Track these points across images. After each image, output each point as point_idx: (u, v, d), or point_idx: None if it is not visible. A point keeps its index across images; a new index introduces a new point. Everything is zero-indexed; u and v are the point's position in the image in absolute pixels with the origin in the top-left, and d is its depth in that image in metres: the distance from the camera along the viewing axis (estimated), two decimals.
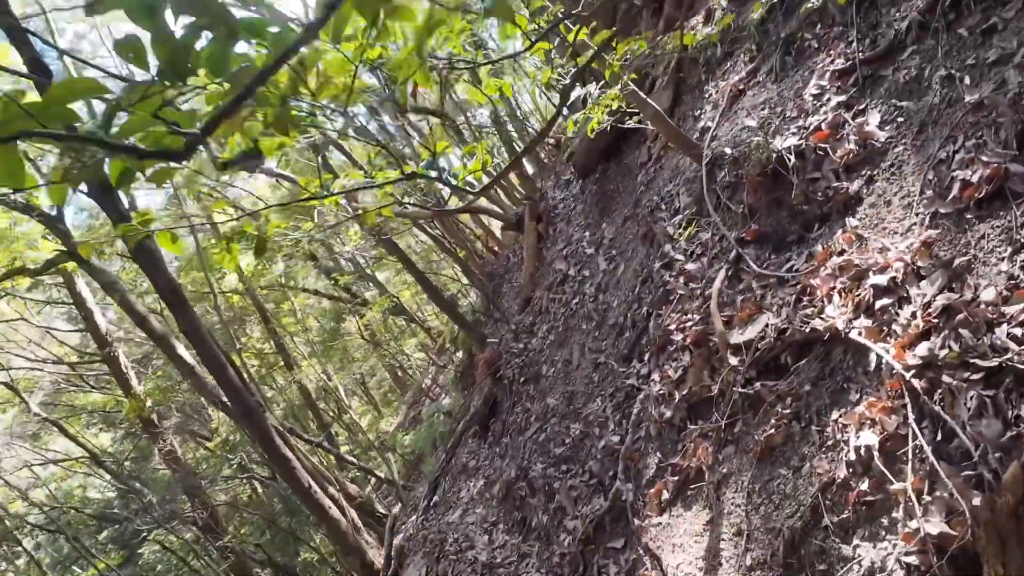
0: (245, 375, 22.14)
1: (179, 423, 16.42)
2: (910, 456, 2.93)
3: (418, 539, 8.52)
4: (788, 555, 3.49)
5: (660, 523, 4.85)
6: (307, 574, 17.34)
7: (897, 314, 3.39)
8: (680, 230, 5.88)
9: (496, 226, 18.10)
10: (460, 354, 15.38)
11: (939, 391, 2.93)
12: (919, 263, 3.41)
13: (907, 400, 3.04)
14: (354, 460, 16.05)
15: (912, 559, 2.75)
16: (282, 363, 24.75)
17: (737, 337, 4.60)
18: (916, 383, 3.02)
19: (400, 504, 16.26)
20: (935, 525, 2.68)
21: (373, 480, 17.32)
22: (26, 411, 18.74)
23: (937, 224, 3.48)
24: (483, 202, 12.92)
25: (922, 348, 3.10)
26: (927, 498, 2.77)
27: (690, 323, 5.15)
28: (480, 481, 8.19)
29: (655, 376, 5.34)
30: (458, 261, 12.54)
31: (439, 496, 9.61)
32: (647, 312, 5.88)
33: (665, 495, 4.89)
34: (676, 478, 4.82)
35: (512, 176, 13.77)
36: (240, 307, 25.65)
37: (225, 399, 11.61)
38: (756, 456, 4.05)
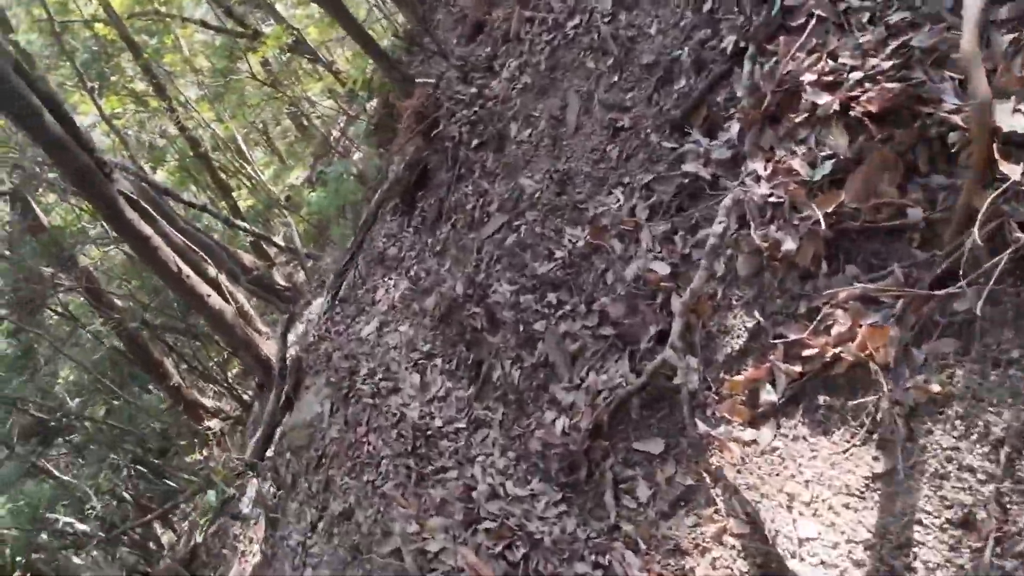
0: (106, 131, 18.02)
1: (24, 179, 12.82)
2: None
3: (320, 354, 6.19)
4: None
5: (751, 441, 2.57)
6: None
7: None
8: None
9: None
10: (375, 102, 12.14)
11: None
12: None
13: None
14: (246, 225, 13.19)
15: None
16: (164, 108, 20.58)
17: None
18: None
19: (304, 278, 13.96)
20: None
21: (274, 250, 14.64)
22: None
23: None
24: None
25: None
26: None
27: (857, 70, 2.49)
28: (404, 282, 5.75)
29: (756, 165, 2.77)
30: None
31: (346, 291, 7.19)
32: (736, 46, 3.11)
33: (768, 394, 2.55)
34: (796, 365, 2.46)
35: None
36: (109, 39, 20.62)
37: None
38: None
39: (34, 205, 13.41)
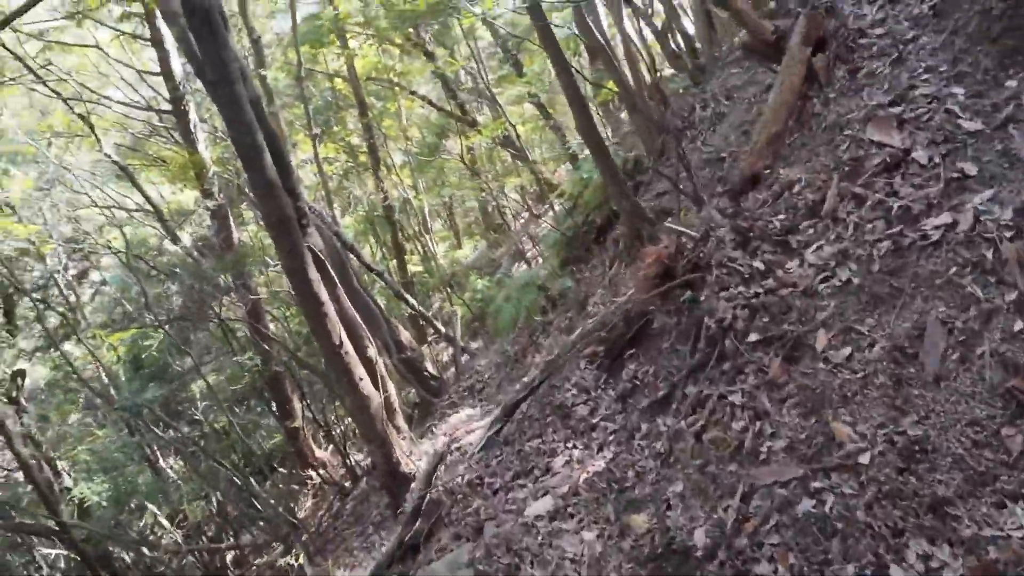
0: (315, 171, 18.79)
1: (228, 200, 13.22)
2: None
3: (467, 513, 5.04)
4: None
5: None
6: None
7: None
8: None
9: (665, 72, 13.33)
10: (580, 216, 11.36)
11: None
12: None
13: None
14: (414, 303, 12.67)
15: None
16: (370, 166, 21.42)
17: None
18: None
19: (454, 370, 13.13)
20: None
21: (432, 332, 14.00)
22: (99, 150, 16.15)
23: None
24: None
25: None
26: None
27: None
28: (594, 462, 4.54)
29: None
30: (624, 90, 8.17)
31: (513, 430, 6.07)
32: None
33: None
34: None
35: None
36: (344, 94, 22.04)
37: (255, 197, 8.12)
38: None
39: (231, 223, 13.76)
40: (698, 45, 11.63)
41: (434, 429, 9.54)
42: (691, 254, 4.70)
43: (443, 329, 13.10)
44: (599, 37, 8.24)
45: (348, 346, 7.59)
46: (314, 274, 7.03)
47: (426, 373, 12.10)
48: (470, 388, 10.80)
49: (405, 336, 12.12)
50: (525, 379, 6.87)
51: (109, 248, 24.00)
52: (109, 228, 25.59)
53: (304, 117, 23.82)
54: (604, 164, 6.65)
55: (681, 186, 6.08)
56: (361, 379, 7.63)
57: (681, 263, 4.84)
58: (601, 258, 9.88)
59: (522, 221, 22.92)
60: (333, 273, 8.72)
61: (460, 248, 29.37)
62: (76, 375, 14.45)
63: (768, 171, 5.34)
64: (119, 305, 17.60)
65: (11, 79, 15.40)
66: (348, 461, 12.80)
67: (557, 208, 19.27)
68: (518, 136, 17.81)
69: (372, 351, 8.38)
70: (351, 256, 12.20)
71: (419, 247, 23.58)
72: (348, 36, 18.50)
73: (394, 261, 22.84)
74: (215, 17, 6.52)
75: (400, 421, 8.52)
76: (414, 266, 24.66)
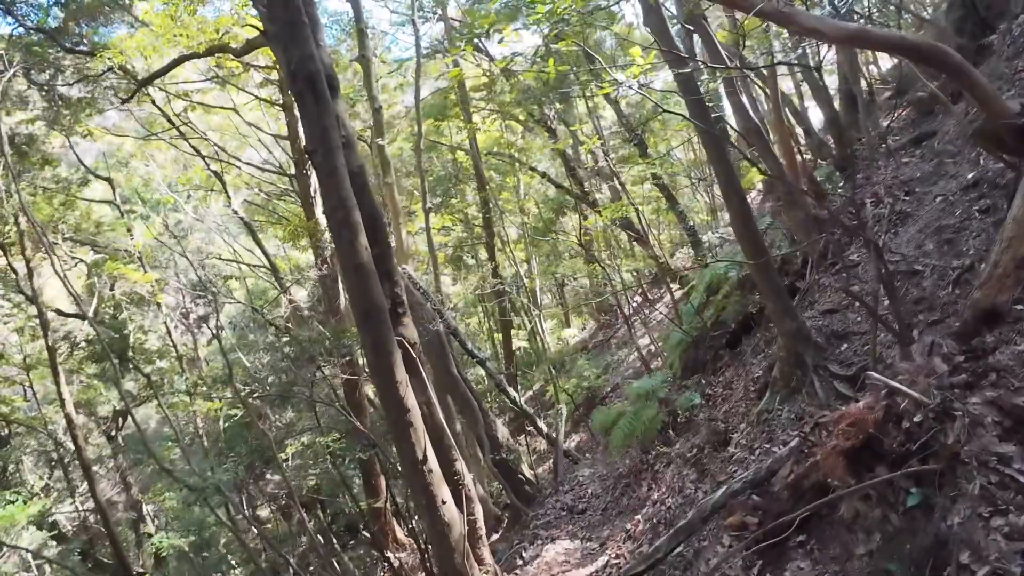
0: (407, 253, 18.26)
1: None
2: None
3: None
4: None
5: None
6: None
7: None
8: None
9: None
10: (710, 315, 9.79)
11: None
12: None
13: None
14: (515, 396, 11.39)
15: None
16: (484, 239, 20.83)
17: None
18: None
19: (552, 474, 11.56)
20: None
21: (532, 429, 12.57)
22: (226, 205, 16.52)
23: None
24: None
25: None
26: None
27: None
28: None
29: None
30: (778, 179, 6.72)
31: None
32: None
33: None
34: None
35: None
36: (465, 167, 21.82)
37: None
38: None
39: (340, 289, 13.12)
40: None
41: (524, 556, 8.07)
42: (915, 428, 3.15)
43: (545, 429, 11.69)
44: (753, 117, 6.91)
45: (433, 462, 6.38)
46: (401, 374, 5.93)
47: (521, 476, 10.70)
48: (570, 507, 9.27)
49: (502, 432, 10.82)
50: (643, 543, 5.34)
51: (232, 298, 24.34)
52: (233, 278, 26.26)
53: (419, 189, 23.79)
54: (763, 271, 5.23)
55: (874, 311, 4.51)
56: (444, 503, 6.36)
57: (894, 436, 3.30)
58: (738, 371, 8.25)
59: (635, 304, 21.39)
60: (428, 368, 7.64)
61: (568, 326, 28.06)
62: (174, 429, 14.12)
63: (1018, 305, 3.75)
64: (233, 351, 17.56)
65: (154, 134, 15.99)
66: (425, 552, 11.49)
67: (676, 296, 17.68)
68: (640, 218, 16.56)
69: (460, 464, 7.11)
70: (455, 340, 11.19)
71: (527, 322, 22.51)
72: (472, 111, 18.16)
73: (500, 335, 21.86)
74: (320, 83, 5.77)
75: (485, 552, 7.12)
76: (520, 340, 23.57)
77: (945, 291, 4.78)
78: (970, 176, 6.35)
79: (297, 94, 5.78)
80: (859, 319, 5.55)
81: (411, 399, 5.96)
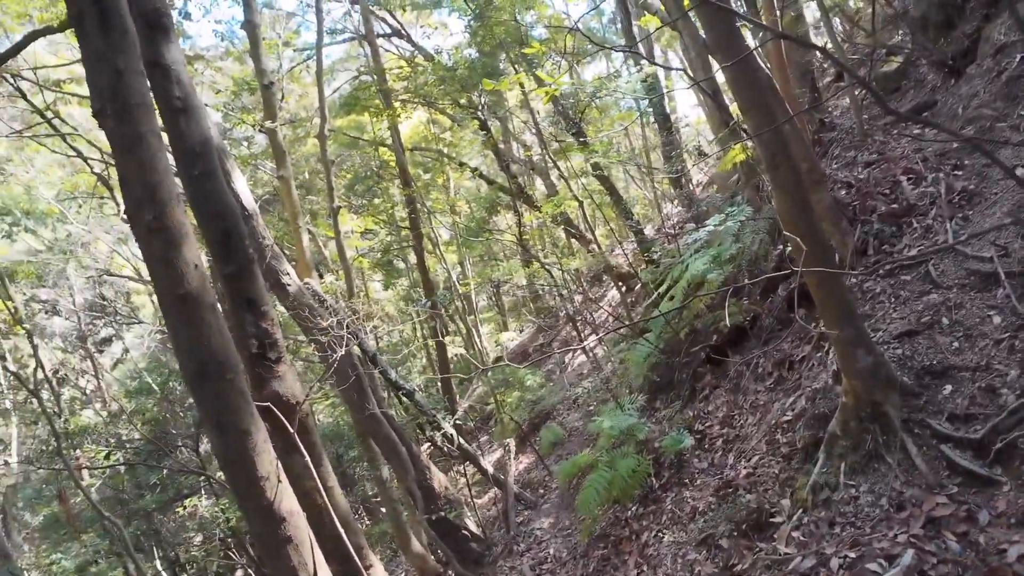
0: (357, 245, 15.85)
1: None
2: None
3: None
4: None
5: None
6: None
7: None
8: None
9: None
10: (683, 326, 7.84)
11: None
12: None
13: None
14: (453, 434, 9.10)
15: None
16: (412, 241, 18.43)
17: None
18: None
19: (504, 523, 9.32)
20: None
21: (478, 471, 10.28)
22: (116, 213, 13.77)
23: None
24: None
25: None
26: None
27: None
28: None
29: None
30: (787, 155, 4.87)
31: None
32: None
33: None
34: None
35: None
36: (390, 165, 19.45)
37: None
38: None
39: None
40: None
41: None
42: None
43: (490, 470, 9.51)
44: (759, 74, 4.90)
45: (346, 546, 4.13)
46: (267, 465, 3.65)
47: (466, 532, 8.50)
48: (525, 573, 7.15)
49: (439, 481, 8.57)
50: None
51: (135, 319, 21.20)
52: (137, 294, 22.92)
53: (343, 185, 21.13)
54: (826, 281, 3.24)
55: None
56: None
57: None
58: (735, 399, 6.30)
59: (576, 304, 19.46)
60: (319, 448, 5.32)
61: (506, 330, 26.03)
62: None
63: None
64: (138, 376, 14.77)
65: (18, 132, 12.98)
66: None
67: (617, 295, 15.78)
68: (583, 212, 14.60)
69: (378, 568, 4.85)
70: (379, 371, 8.84)
71: (462, 328, 20.47)
72: (395, 102, 15.72)
73: (433, 342, 19.69)
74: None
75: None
76: (456, 348, 21.41)
77: None
78: None
79: (75, 19, 3.40)
80: (956, 343, 3.63)
81: (288, 501, 3.66)
